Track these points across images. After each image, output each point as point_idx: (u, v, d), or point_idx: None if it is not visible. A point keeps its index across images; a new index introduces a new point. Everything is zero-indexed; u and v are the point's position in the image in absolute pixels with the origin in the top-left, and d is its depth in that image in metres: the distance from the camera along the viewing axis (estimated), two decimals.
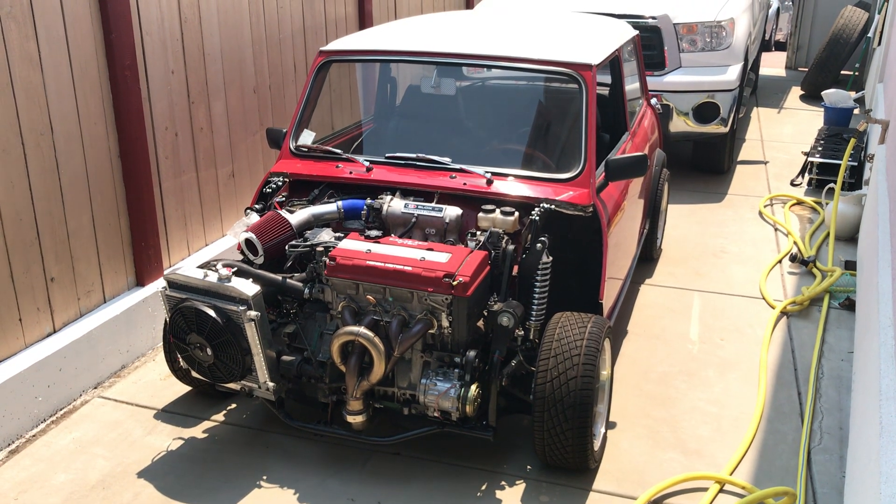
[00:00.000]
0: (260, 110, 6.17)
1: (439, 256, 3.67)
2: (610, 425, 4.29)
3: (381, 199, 4.16)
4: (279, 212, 4.09)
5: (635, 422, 4.35)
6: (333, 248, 3.82)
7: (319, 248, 3.82)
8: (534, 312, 3.90)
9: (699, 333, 5.32)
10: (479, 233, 3.96)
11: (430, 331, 3.64)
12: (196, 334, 3.75)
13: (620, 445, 4.15)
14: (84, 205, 4.57)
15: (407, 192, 4.26)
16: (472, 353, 3.60)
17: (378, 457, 4.01)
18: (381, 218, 4.12)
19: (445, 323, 3.62)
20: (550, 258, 3.90)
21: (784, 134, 10.28)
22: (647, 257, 6.28)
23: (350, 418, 3.75)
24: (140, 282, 5.06)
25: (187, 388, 4.56)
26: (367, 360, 3.65)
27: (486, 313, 3.75)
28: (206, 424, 4.28)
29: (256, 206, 4.37)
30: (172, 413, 4.39)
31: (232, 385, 3.88)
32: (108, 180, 4.73)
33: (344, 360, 3.68)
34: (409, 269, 3.60)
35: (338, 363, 3.71)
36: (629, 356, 5.01)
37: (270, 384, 3.79)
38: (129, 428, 4.26)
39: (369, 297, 3.66)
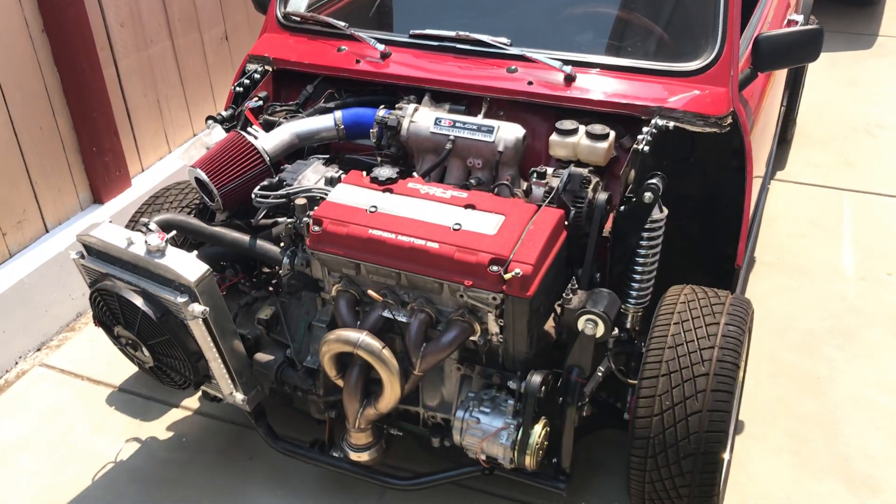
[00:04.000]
0: None
1: (484, 222, 2.27)
2: (736, 427, 2.98)
3: (401, 108, 2.71)
4: (244, 133, 2.69)
5: (772, 422, 3.03)
6: (320, 200, 2.45)
7: (299, 201, 2.44)
8: (634, 294, 2.52)
9: (856, 264, 3.84)
10: (549, 171, 2.51)
11: (472, 338, 2.32)
12: (123, 328, 2.51)
13: (752, 466, 2.86)
14: None
15: (441, 94, 2.80)
16: (536, 379, 2.27)
17: None
18: (399, 140, 2.69)
19: (494, 328, 2.29)
20: (665, 212, 2.46)
21: None
22: (780, 138, 4.68)
23: (354, 455, 2.53)
24: (98, 198, 3.81)
25: None
26: (374, 375, 2.37)
27: (559, 308, 2.38)
28: (173, 415, 3.15)
29: (224, 112, 2.97)
30: (131, 394, 3.25)
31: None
32: (29, 66, 3.37)
33: (341, 372, 2.42)
34: (435, 247, 2.23)
35: (332, 377, 2.45)
36: (758, 301, 3.60)
37: (239, 396, 2.58)
38: (71, 420, 3.15)
39: (372, 292, 2.32)
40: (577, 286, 2.34)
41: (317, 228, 2.34)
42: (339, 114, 2.77)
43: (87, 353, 3.48)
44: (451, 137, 2.60)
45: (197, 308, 2.35)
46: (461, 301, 2.26)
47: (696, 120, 2.58)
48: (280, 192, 2.50)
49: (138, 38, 3.88)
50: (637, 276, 2.52)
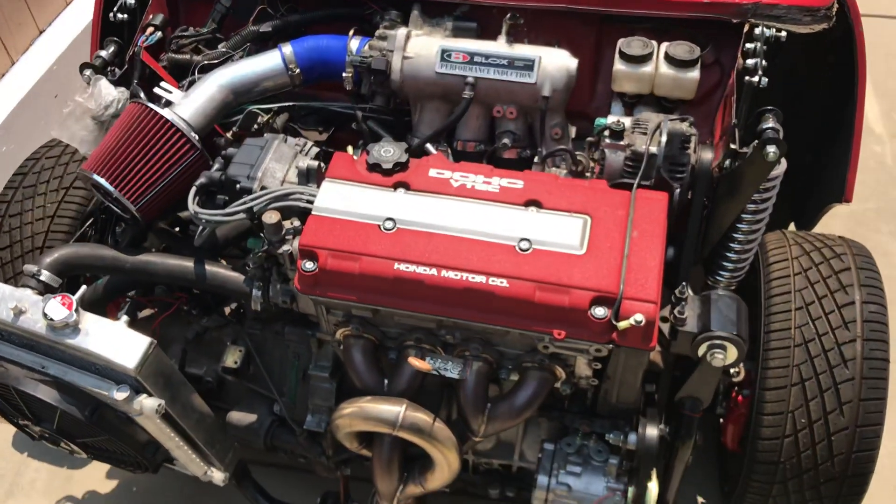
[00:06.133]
0: None
1: (562, 231, 1.54)
2: None
3: (385, 37, 1.83)
4: (146, 102, 1.76)
5: None
6: (302, 211, 1.63)
7: (269, 217, 1.60)
8: (730, 267, 1.88)
9: None
10: (627, 123, 1.73)
11: (555, 385, 1.65)
12: (34, 424, 1.72)
13: None
14: None
15: (433, 3, 1.92)
16: (652, 433, 1.65)
17: None
18: (388, 84, 1.83)
19: (586, 371, 1.62)
20: (784, 165, 1.76)
21: None
22: None
23: None
24: None
25: None
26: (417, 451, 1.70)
27: (666, 327, 1.71)
28: None
29: (104, 52, 2.00)
30: None
31: None
32: None
33: (365, 443, 1.73)
34: (503, 285, 1.49)
35: (354, 449, 1.76)
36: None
37: (218, 475, 1.87)
38: None
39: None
40: (686, 291, 1.66)
41: (310, 265, 1.55)
42: (288, 49, 1.87)
43: None
44: (470, 80, 1.77)
45: (148, 403, 1.58)
46: (537, 345, 1.57)
47: (803, 16, 1.84)
48: (237, 206, 1.65)
49: None
50: (736, 247, 1.87)
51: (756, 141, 1.70)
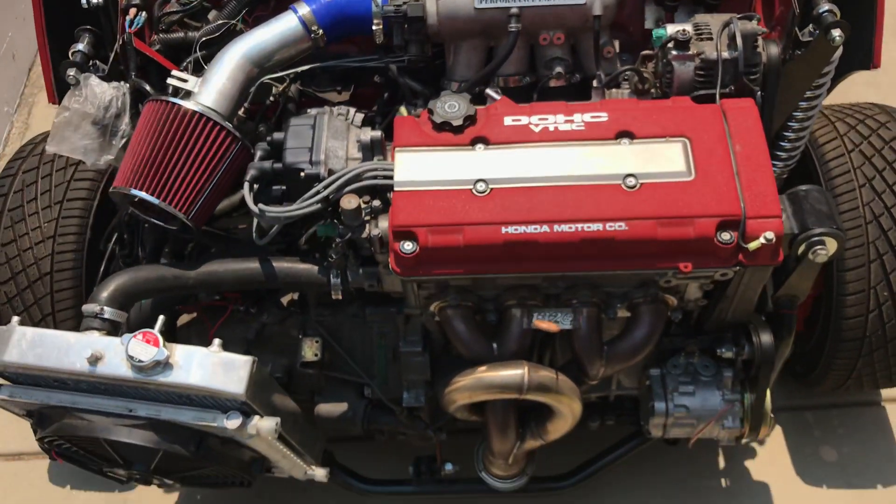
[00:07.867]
0: None
1: (664, 159, 1.47)
2: None
3: None
4: (163, 97, 1.55)
5: None
6: (378, 191, 1.50)
7: (347, 202, 1.46)
8: (784, 155, 1.87)
9: None
10: (689, 29, 1.64)
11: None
12: (124, 469, 1.59)
13: None
14: None
15: None
16: (767, 339, 1.63)
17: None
18: (424, 30, 1.68)
19: (697, 294, 1.59)
20: (841, 48, 1.71)
21: None
22: None
23: (499, 485, 1.86)
24: None
25: None
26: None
27: None
28: None
29: (82, 46, 1.75)
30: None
31: None
32: None
33: (477, 411, 1.68)
34: (622, 228, 1.41)
35: (465, 418, 1.70)
36: None
37: (319, 472, 1.78)
38: None
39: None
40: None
41: (409, 246, 1.43)
42: (305, 9, 1.67)
43: None
44: (515, 11, 1.63)
45: (265, 426, 1.47)
46: (663, 284, 1.52)
47: None
48: (310, 197, 1.49)
49: None
50: (791, 135, 1.84)
51: (812, 25, 1.67)
